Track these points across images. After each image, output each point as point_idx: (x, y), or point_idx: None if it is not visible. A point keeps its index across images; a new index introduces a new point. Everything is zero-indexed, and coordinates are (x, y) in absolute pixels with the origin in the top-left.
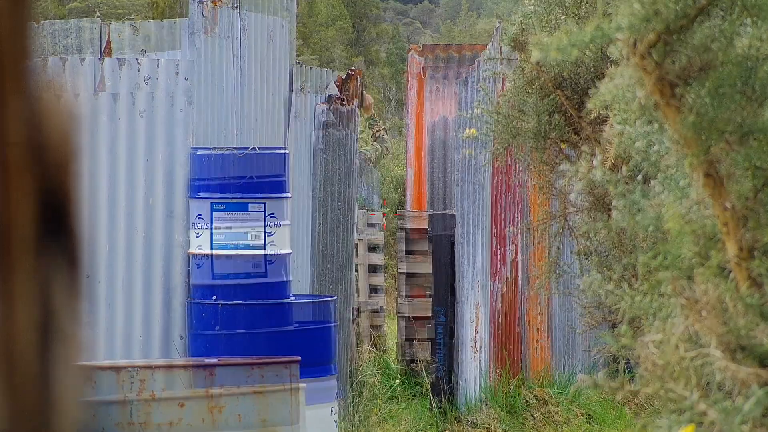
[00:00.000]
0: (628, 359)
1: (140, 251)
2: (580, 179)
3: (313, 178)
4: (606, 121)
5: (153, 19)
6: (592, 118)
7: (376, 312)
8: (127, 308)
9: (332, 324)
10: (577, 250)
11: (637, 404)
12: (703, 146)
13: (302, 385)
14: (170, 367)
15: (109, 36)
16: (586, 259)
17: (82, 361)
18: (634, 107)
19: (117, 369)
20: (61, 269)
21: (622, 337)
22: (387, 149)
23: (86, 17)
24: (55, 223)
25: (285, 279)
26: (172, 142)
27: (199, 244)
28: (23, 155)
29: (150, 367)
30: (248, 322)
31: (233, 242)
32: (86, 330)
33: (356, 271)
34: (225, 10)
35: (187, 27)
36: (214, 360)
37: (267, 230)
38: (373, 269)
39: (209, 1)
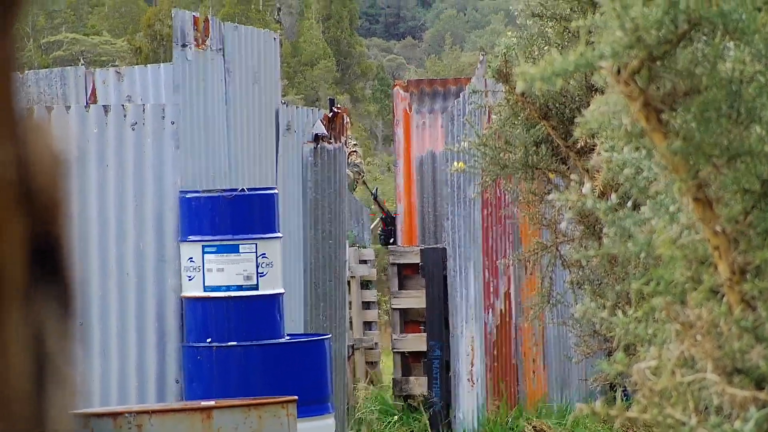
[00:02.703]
0: (625, 387)
1: (133, 296)
2: (569, 208)
3: (303, 216)
4: (593, 150)
5: (137, 64)
6: (579, 147)
7: (371, 348)
8: (121, 354)
9: (328, 362)
10: (570, 280)
11: (635, 431)
12: (691, 170)
13: (300, 424)
14: (167, 411)
15: (93, 83)
16: (579, 288)
17: (77, 403)
18: (621, 134)
19: (114, 415)
20: (54, 312)
21: (618, 365)
22: (361, 173)
23: (70, 65)
24: (46, 266)
25: (279, 319)
26: (161, 186)
27: (192, 287)
28: (12, 199)
29: (147, 412)
30: (243, 363)
31: (226, 284)
32: (80, 373)
33: (349, 308)
34: (209, 53)
35: (172, 71)
36: (211, 402)
37: (259, 271)
38: (366, 305)
39: (192, 45)
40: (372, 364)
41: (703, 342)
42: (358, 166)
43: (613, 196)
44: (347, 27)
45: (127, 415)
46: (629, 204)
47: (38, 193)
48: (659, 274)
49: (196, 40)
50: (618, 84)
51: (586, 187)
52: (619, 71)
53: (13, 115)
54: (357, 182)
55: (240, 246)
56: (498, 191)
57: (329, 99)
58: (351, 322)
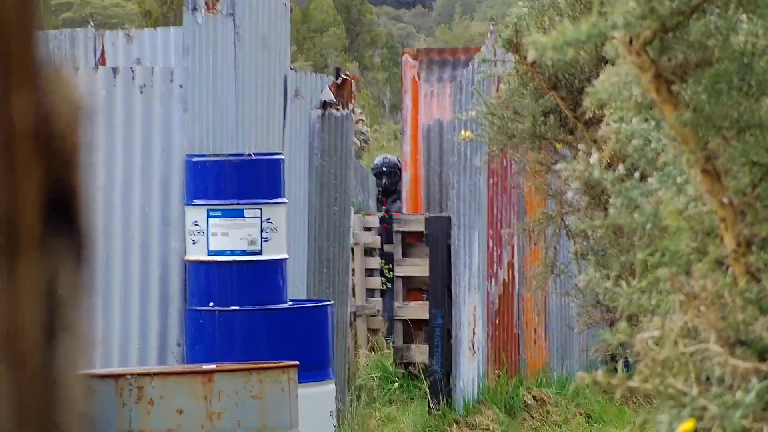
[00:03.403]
0: (626, 358)
1: (137, 259)
2: (576, 178)
3: (308, 182)
4: (601, 121)
5: (146, 27)
6: (587, 118)
7: (374, 316)
8: (124, 316)
9: (330, 328)
10: (574, 250)
11: (636, 402)
12: (700, 142)
13: (301, 389)
14: (168, 374)
15: (103, 45)
16: (583, 258)
17: (87, 355)
18: (631, 105)
19: (115, 377)
20: (68, 263)
21: (621, 334)
22: (366, 141)
23: (80, 27)
24: (62, 216)
25: (282, 284)
26: (167, 149)
27: (196, 251)
28: (30, 149)
29: (148, 375)
30: (246, 328)
31: (230, 248)
32: (92, 324)
33: (353, 275)
34: (219, 18)
35: (182, 35)
36: (212, 366)
37: (263, 236)
38: (369, 273)
39: (203, 9)
40: (374, 331)
41: (706, 313)
42: (365, 134)
43: (621, 166)
44: None
45: (128, 377)
46: (636, 175)
47: (56, 142)
48: (665, 245)
49: (206, 4)
50: (629, 55)
51: (594, 158)
52: (631, 42)
53: (34, 64)
54: (363, 150)
55: (245, 210)
56: (504, 161)
57: (335, 67)
58: (354, 289)
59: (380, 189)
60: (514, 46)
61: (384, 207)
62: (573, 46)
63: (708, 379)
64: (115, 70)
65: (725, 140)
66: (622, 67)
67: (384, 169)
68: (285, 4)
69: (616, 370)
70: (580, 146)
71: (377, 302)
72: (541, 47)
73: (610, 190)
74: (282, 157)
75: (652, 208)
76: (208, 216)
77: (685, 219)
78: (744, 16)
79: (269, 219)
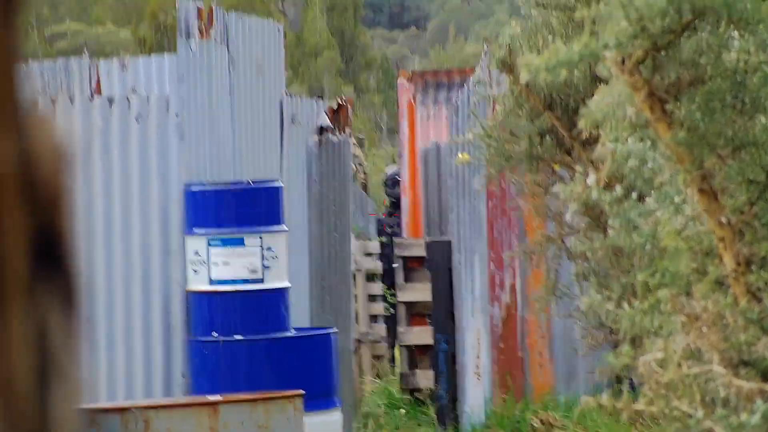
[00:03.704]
0: (631, 379)
1: (138, 290)
2: (574, 200)
3: (308, 209)
4: (597, 140)
5: (141, 55)
6: (583, 138)
7: (377, 342)
8: (128, 348)
9: (334, 356)
10: (576, 272)
11: (643, 423)
12: (695, 161)
13: (307, 418)
14: (174, 406)
15: (98, 74)
16: (585, 280)
17: (82, 401)
18: (626, 124)
19: (121, 410)
20: (58, 308)
21: (624, 357)
22: (360, 164)
23: (74, 56)
24: (50, 260)
25: (284, 312)
26: (165, 178)
27: (197, 281)
28: (15, 192)
29: (154, 407)
30: (250, 358)
31: (231, 278)
32: (85, 369)
33: (355, 301)
34: (213, 44)
35: (177, 62)
36: (217, 397)
37: (265, 264)
38: (372, 298)
39: (196, 36)
40: (378, 357)
41: (708, 334)
42: (358, 156)
43: (618, 187)
44: (352, 17)
45: (134, 410)
46: (634, 195)
47: (41, 186)
48: (665, 265)
49: (200, 30)
50: (622, 74)
51: (591, 179)
52: (623, 61)
53: (17, 107)
54: (359, 174)
55: (245, 239)
56: (503, 183)
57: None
58: (357, 316)
59: (393, 200)
60: (507, 66)
61: (393, 218)
62: (566, 66)
63: (713, 400)
64: (111, 100)
65: (721, 159)
66: (615, 87)
67: (397, 177)
68: (278, 29)
69: (621, 392)
70: (578, 167)
71: (381, 328)
72: (534, 68)
73: (609, 211)
74: (280, 184)
75: (650, 229)
76: (209, 245)
77: (683, 239)
78: (735, 33)
79: (270, 247)
